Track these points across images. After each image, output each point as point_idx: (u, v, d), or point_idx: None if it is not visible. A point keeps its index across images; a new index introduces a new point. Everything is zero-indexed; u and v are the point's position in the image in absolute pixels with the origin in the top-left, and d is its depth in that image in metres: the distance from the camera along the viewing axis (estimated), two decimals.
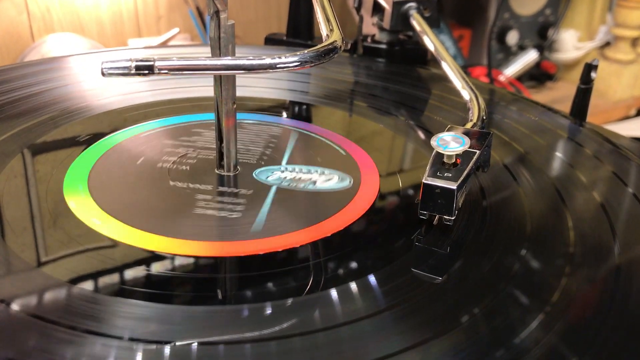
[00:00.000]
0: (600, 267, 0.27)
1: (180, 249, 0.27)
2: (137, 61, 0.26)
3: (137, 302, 0.24)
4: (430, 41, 0.48)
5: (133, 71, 0.26)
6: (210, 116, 0.40)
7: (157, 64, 0.26)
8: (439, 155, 0.30)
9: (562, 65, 1.26)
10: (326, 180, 0.34)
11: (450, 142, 0.30)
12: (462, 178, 0.29)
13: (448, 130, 0.32)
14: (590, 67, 0.44)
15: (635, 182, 0.36)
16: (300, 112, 0.46)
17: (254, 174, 0.34)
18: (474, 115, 0.37)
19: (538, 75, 1.22)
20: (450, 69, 0.43)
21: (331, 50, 0.30)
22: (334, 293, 0.25)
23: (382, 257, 0.28)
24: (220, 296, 0.25)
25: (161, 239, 0.28)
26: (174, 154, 0.36)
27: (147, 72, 0.26)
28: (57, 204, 0.30)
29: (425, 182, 0.29)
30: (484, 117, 0.37)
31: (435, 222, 0.30)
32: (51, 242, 0.27)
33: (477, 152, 0.31)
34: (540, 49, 1.20)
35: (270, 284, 0.25)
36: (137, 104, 0.44)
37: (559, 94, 1.19)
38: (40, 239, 0.28)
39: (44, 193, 0.31)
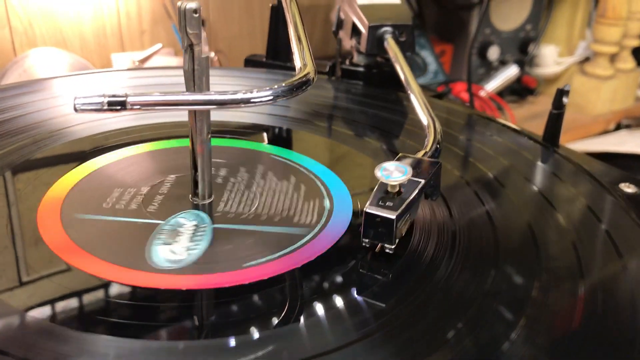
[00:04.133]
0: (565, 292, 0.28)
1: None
2: (109, 97, 0.26)
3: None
4: (399, 67, 0.48)
5: (105, 107, 0.26)
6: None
7: (129, 99, 0.26)
8: (383, 185, 0.31)
9: (542, 79, 1.28)
10: (170, 251, 0.31)
11: (394, 172, 0.30)
12: (402, 208, 0.29)
13: (398, 159, 0.33)
14: (562, 93, 0.45)
15: (604, 209, 0.37)
16: (279, 135, 0.47)
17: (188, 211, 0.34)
18: (428, 143, 0.38)
19: (519, 90, 1.23)
20: (414, 95, 0.44)
21: (304, 83, 0.31)
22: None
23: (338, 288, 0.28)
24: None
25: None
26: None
27: (119, 107, 0.26)
28: (28, 229, 0.31)
29: (366, 210, 0.29)
30: (438, 146, 0.38)
31: (377, 249, 0.31)
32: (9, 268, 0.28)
33: (422, 181, 0.31)
34: (521, 64, 1.22)
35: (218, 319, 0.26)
36: (121, 127, 0.45)
37: (540, 109, 1.21)
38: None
39: (16, 217, 0.32)
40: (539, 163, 0.43)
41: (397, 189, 0.30)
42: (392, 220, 0.29)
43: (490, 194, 0.38)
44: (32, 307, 0.25)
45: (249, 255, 0.30)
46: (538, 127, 0.49)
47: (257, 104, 0.29)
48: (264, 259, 0.29)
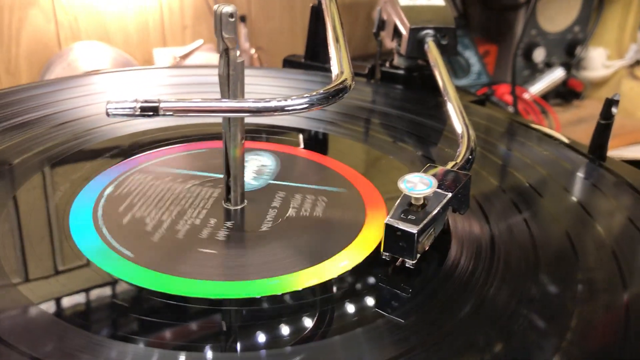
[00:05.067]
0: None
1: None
2: (142, 102, 0.26)
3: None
4: (437, 71, 0.47)
5: (138, 112, 0.26)
6: None
7: (162, 105, 0.26)
8: (406, 197, 0.29)
9: (589, 83, 1.24)
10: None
11: (418, 184, 0.29)
12: (425, 222, 0.28)
13: (426, 170, 0.32)
14: (611, 102, 0.43)
15: None
16: (314, 139, 0.46)
17: None
18: (460, 153, 0.36)
19: (564, 94, 1.20)
20: (450, 102, 0.43)
21: (341, 91, 0.30)
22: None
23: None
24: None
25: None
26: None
27: (152, 113, 0.26)
28: (59, 226, 0.31)
29: (387, 223, 0.28)
30: (471, 157, 0.36)
31: (398, 263, 0.30)
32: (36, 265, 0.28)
33: (449, 195, 0.30)
34: (568, 66, 1.18)
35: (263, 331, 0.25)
36: (163, 126, 0.45)
37: (586, 113, 1.17)
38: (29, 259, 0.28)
39: (53, 212, 0.32)
40: (582, 177, 0.41)
41: (422, 201, 0.29)
42: (413, 234, 0.28)
43: (533, 213, 0.36)
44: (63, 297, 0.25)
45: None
46: (583, 132, 0.47)
47: (291, 112, 0.28)
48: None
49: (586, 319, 0.26)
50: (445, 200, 0.30)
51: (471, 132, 0.38)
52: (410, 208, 0.29)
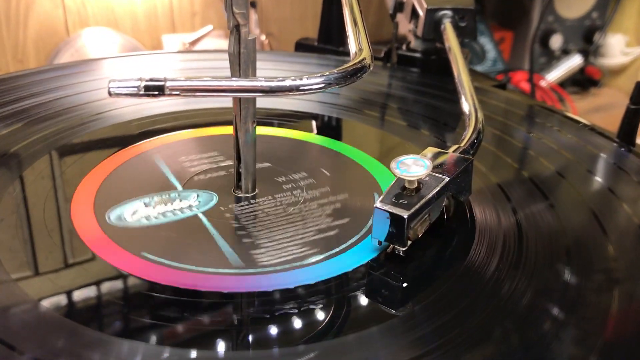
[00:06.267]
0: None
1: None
2: (146, 81, 0.24)
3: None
4: (451, 53, 0.45)
5: (142, 92, 0.24)
6: None
7: (168, 84, 0.24)
8: (400, 180, 0.28)
9: (607, 71, 1.21)
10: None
11: (412, 166, 0.27)
12: (417, 206, 0.26)
13: (424, 152, 0.30)
14: None
15: None
16: (327, 124, 0.44)
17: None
18: (465, 136, 0.34)
19: (582, 81, 1.17)
20: (459, 81, 0.41)
21: (359, 70, 0.28)
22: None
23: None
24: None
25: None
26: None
27: (157, 92, 0.24)
28: (62, 213, 0.29)
29: (376, 206, 0.26)
30: (476, 141, 0.34)
31: (389, 250, 0.28)
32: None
33: (446, 179, 0.28)
34: (585, 53, 1.15)
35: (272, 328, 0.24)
36: (170, 111, 0.43)
37: (603, 101, 1.14)
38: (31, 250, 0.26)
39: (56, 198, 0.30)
40: (611, 161, 0.39)
41: (415, 185, 0.27)
42: (403, 219, 0.26)
43: (559, 199, 0.34)
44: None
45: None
46: (601, 121, 0.45)
47: (307, 91, 0.26)
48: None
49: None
50: (441, 185, 0.28)
51: (480, 114, 0.36)
52: (404, 192, 0.27)
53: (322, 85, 0.26)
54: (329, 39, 0.58)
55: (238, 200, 0.32)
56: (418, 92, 0.50)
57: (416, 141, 0.41)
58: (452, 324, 0.24)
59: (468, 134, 0.34)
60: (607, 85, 1.21)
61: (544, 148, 0.41)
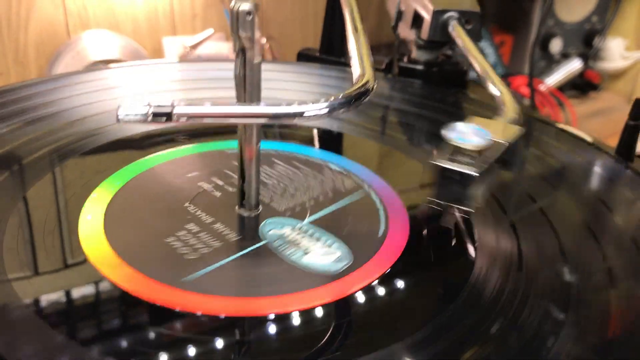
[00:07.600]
0: None
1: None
2: (154, 107, 0.24)
3: None
4: (469, 53, 0.45)
5: (150, 118, 0.24)
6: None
7: (175, 111, 0.25)
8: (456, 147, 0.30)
9: (607, 75, 1.21)
10: (323, 255, 0.30)
11: (469, 134, 0.29)
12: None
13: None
14: None
15: None
16: (327, 138, 0.44)
17: (263, 223, 0.32)
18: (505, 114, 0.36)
19: (581, 85, 1.17)
20: (482, 71, 0.42)
21: (363, 94, 0.28)
22: None
23: None
24: None
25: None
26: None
27: (165, 119, 0.25)
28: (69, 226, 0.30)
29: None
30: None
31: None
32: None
33: (506, 143, 0.30)
34: (585, 57, 1.16)
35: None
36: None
37: (603, 105, 1.15)
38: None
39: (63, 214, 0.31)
40: (609, 176, 0.40)
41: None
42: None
43: (558, 214, 0.35)
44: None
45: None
46: (600, 125, 0.46)
47: (311, 117, 0.26)
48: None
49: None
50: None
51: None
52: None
53: (327, 110, 0.27)
54: (330, 50, 0.58)
55: (241, 219, 0.32)
56: (420, 104, 0.50)
57: (417, 155, 0.41)
58: (451, 323, 0.24)
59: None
60: (607, 89, 1.21)
61: (541, 163, 0.41)
